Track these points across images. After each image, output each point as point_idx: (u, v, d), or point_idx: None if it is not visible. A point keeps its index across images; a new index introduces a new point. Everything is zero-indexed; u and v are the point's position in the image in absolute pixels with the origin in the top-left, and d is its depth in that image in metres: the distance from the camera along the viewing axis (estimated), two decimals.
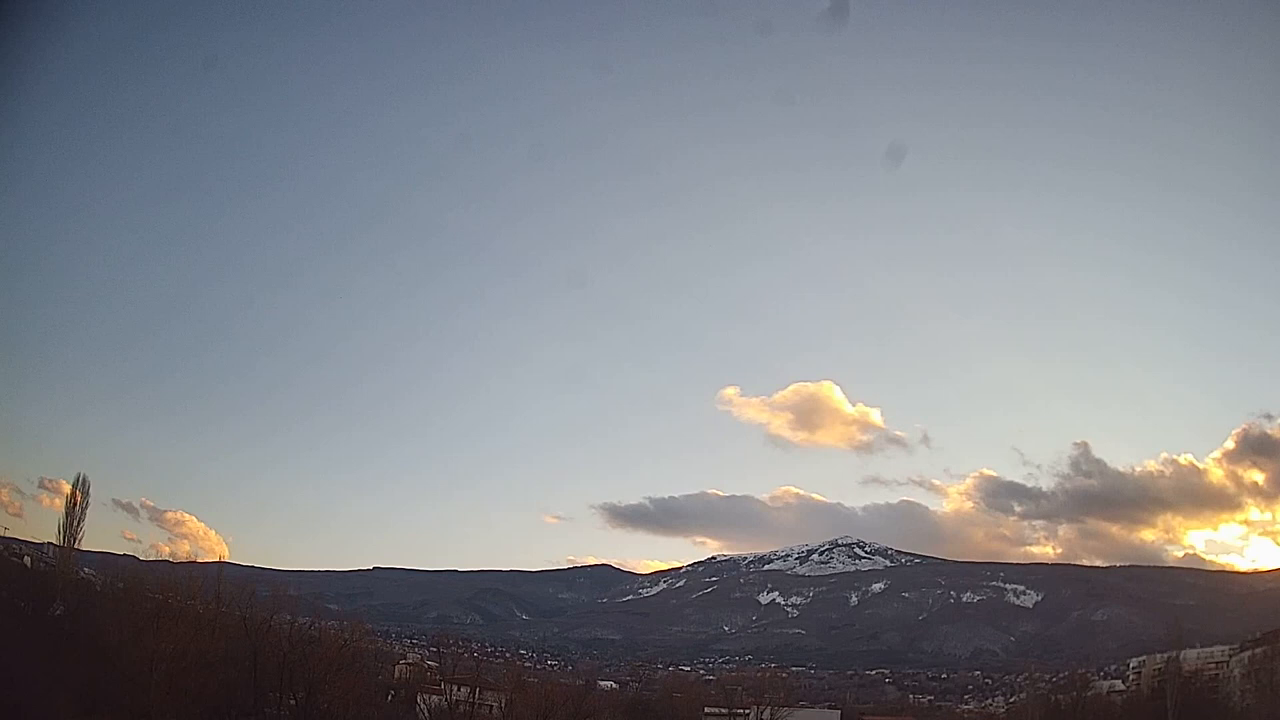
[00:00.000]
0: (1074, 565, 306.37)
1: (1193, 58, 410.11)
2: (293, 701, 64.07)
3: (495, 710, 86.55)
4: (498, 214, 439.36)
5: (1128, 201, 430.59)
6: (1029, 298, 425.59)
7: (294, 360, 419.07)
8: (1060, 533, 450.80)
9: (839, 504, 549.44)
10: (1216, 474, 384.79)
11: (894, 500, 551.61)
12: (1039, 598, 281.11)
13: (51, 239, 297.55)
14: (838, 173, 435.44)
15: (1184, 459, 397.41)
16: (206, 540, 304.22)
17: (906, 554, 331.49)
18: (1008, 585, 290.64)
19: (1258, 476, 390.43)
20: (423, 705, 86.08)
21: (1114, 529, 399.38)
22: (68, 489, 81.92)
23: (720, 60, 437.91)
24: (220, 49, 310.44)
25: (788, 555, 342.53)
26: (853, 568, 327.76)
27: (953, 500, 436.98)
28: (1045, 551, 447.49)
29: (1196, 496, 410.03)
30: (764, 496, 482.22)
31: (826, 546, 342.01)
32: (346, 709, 65.45)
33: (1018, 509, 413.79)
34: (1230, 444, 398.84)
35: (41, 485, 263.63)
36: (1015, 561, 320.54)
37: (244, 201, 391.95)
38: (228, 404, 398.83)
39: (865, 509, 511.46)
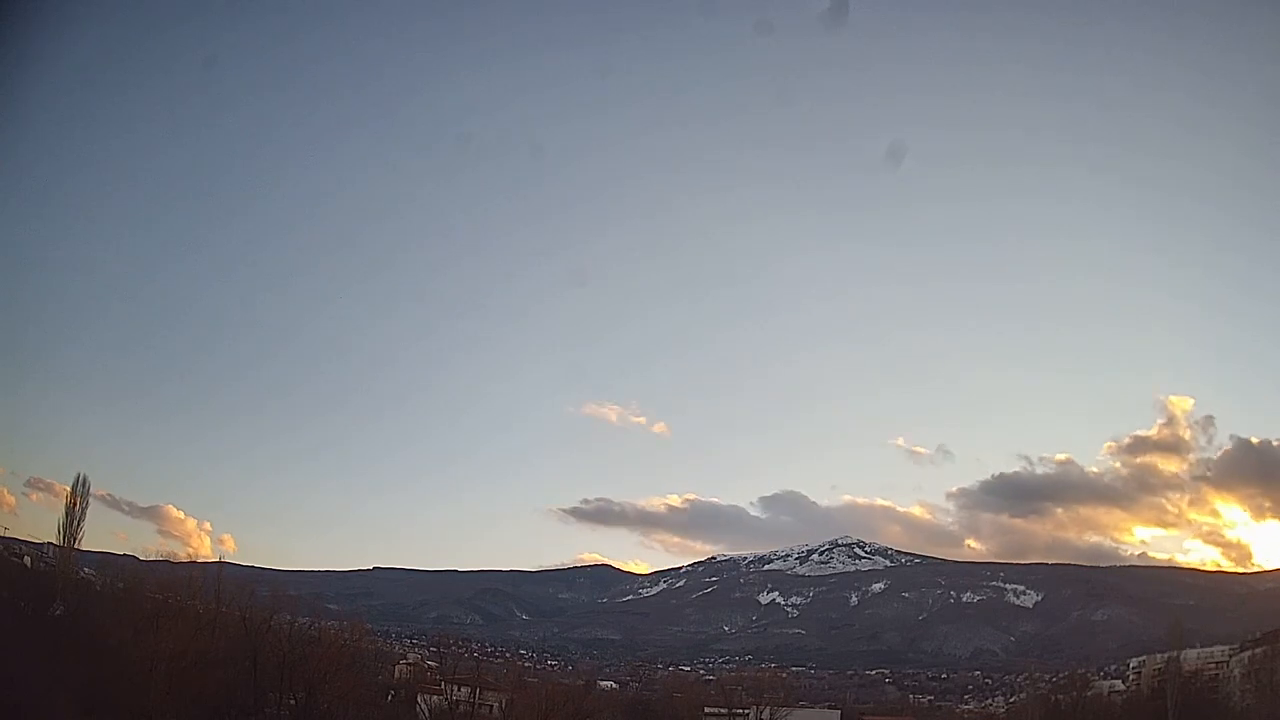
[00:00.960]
0: (1074, 565, 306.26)
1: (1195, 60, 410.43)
2: (293, 701, 64.09)
3: (495, 710, 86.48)
4: (498, 214, 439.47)
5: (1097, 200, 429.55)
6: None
7: (294, 361, 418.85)
8: (982, 529, 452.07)
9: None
10: (1112, 471, 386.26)
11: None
12: (1039, 598, 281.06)
13: (51, 239, 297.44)
14: (837, 176, 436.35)
15: (1060, 456, 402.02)
16: (201, 538, 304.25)
17: (907, 554, 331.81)
18: (1008, 585, 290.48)
19: (1152, 474, 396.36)
20: (423, 705, 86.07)
21: (1027, 525, 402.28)
22: (58, 487, 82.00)
23: (720, 61, 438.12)
24: (220, 49, 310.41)
25: (788, 555, 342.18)
26: (853, 568, 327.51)
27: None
28: (975, 548, 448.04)
29: (1093, 494, 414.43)
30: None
31: (826, 546, 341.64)
32: (346, 709, 65.52)
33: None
34: (1109, 449, 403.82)
35: (29, 484, 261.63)
36: (1016, 561, 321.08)
37: (244, 201, 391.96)
38: (228, 404, 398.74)
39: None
